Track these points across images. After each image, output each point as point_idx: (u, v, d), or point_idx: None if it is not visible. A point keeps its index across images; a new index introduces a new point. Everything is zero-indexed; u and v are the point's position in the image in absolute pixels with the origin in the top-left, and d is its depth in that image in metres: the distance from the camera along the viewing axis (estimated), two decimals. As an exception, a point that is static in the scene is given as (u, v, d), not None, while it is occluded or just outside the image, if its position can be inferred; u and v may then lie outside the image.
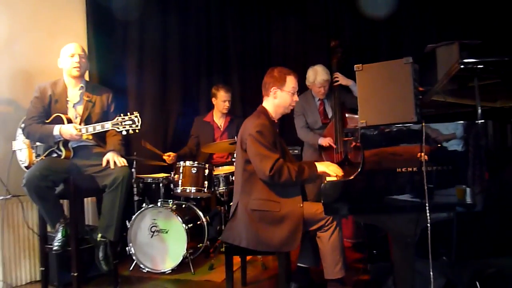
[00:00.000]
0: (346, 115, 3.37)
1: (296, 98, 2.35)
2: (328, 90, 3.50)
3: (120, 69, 3.68)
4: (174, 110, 4.02)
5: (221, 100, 3.72)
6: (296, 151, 3.75)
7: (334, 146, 3.31)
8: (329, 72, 3.47)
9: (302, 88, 3.15)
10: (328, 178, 2.20)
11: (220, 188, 3.26)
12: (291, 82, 2.33)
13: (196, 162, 3.21)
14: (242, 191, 2.26)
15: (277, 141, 2.27)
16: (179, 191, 3.16)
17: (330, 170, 2.23)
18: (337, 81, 3.44)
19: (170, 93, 4.02)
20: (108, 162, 2.64)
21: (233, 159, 3.13)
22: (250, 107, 4.14)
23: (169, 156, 3.41)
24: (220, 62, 4.30)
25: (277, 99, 2.34)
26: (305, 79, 3.47)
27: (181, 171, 3.17)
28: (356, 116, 3.16)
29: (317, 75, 3.47)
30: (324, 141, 3.40)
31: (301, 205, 2.22)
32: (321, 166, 2.24)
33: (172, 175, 3.22)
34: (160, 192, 3.24)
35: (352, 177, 2.00)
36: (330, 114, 3.51)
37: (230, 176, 3.28)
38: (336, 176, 2.22)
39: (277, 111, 2.37)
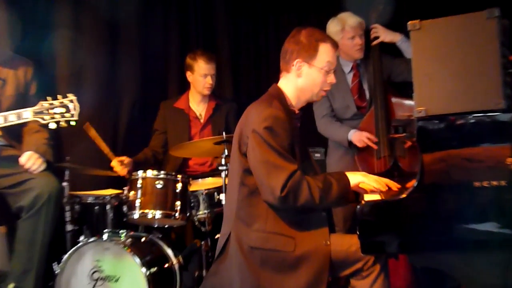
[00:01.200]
0: (393, 99, 3.27)
1: (332, 79, 2.33)
2: (364, 51, 3.40)
3: (44, 32, 3.59)
4: (128, 94, 3.98)
5: (200, 74, 3.64)
6: (318, 155, 3.72)
7: (374, 146, 3.19)
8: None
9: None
10: (366, 197, 2.19)
11: (200, 212, 3.23)
12: (326, 53, 2.31)
13: (162, 172, 3.16)
14: (237, 217, 2.24)
15: (296, 144, 2.25)
16: (136, 216, 3.11)
17: (369, 182, 2.22)
18: (377, 38, 3.36)
19: (122, 69, 3.96)
20: (27, 164, 2.66)
21: (221, 167, 3.12)
22: (247, 89, 4.14)
23: (122, 163, 3.35)
24: (200, 19, 4.21)
25: (303, 78, 2.33)
26: None
27: (139, 185, 3.12)
28: (408, 102, 3.16)
29: (345, 20, 3.37)
30: (359, 137, 3.24)
31: (328, 242, 2.21)
32: (356, 177, 2.23)
33: (126, 191, 3.18)
34: (107, 219, 3.20)
35: (404, 195, 2.00)
36: (367, 95, 3.42)
37: (216, 193, 3.25)
38: (380, 192, 2.21)
39: (301, 97, 2.36)
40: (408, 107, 3.09)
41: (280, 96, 2.33)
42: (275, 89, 2.36)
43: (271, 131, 2.16)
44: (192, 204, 3.25)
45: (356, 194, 2.27)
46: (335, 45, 2.34)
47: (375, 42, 3.36)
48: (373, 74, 3.32)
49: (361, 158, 3.33)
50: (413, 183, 2.05)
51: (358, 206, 2.06)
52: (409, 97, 2.26)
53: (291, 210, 2.18)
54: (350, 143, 3.33)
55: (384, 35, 3.33)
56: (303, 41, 2.30)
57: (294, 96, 2.35)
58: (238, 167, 2.26)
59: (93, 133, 3.25)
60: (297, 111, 2.37)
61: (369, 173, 2.87)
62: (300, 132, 2.38)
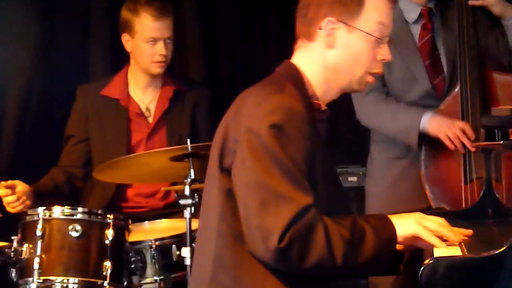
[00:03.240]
0: (495, 75, 2.62)
1: (386, 53, 1.91)
2: None
3: None
4: (19, 76, 3.27)
5: (145, 37, 2.93)
6: (352, 179, 3.22)
7: (471, 147, 2.47)
8: None
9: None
10: (437, 252, 1.82)
11: (148, 280, 2.68)
12: (377, 8, 1.92)
13: (81, 210, 2.61)
14: (214, 281, 1.81)
15: (319, 161, 1.85)
16: (33, 287, 2.56)
17: (430, 228, 1.81)
18: None
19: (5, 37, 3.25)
20: None
21: (184, 200, 2.55)
22: (232, 68, 3.70)
23: (11, 189, 2.74)
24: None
25: (337, 49, 1.94)
26: None
27: (39, 233, 2.56)
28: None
29: None
30: (445, 127, 2.56)
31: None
32: (407, 223, 1.82)
33: (16, 244, 2.62)
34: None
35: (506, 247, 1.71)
36: (444, 62, 2.75)
37: (174, 246, 2.63)
38: (459, 246, 1.87)
39: (332, 83, 1.97)
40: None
41: (297, 79, 1.91)
42: (287, 68, 1.94)
43: (281, 132, 1.77)
44: (133, 266, 2.67)
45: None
46: None
47: (472, 2, 2.70)
48: (459, 28, 2.62)
49: (435, 178, 2.60)
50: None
51: (423, 268, 1.69)
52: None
53: (294, 273, 1.77)
54: (422, 142, 2.60)
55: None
56: None
57: (321, 81, 1.94)
58: (217, 196, 1.82)
59: None
60: (323, 107, 1.93)
61: (453, 206, 2.58)
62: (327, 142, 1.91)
